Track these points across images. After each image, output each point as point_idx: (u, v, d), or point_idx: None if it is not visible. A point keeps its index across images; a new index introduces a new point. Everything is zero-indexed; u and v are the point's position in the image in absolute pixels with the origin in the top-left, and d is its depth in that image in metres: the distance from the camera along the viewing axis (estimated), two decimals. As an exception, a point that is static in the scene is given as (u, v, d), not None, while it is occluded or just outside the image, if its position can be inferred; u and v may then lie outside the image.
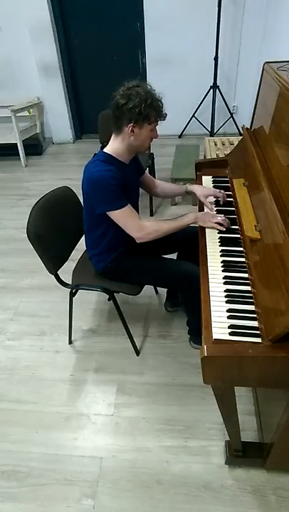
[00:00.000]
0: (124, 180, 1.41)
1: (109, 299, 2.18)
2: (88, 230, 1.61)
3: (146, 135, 1.38)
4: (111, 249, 1.59)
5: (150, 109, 1.31)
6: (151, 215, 3.00)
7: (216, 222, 1.42)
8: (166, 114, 1.39)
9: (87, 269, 1.72)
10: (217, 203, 1.61)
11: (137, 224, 1.44)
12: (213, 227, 1.43)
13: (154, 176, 3.08)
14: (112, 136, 1.42)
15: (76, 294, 1.82)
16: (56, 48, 3.98)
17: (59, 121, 4.49)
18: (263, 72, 1.55)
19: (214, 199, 1.62)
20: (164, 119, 1.40)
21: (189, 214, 1.49)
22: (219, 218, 1.43)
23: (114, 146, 1.42)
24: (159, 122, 1.41)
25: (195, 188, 1.65)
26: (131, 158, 1.50)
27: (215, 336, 0.96)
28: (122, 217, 1.42)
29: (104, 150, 1.44)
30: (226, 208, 1.57)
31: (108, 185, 1.35)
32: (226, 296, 1.10)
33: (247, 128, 1.69)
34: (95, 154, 1.47)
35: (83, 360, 1.87)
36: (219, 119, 4.09)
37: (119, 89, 1.33)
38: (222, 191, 1.62)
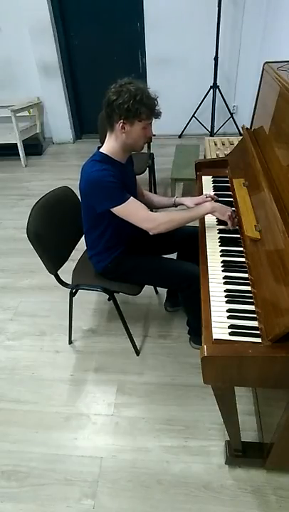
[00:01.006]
0: (122, 180, 1.40)
1: (109, 299, 2.18)
2: (87, 231, 1.60)
3: (138, 133, 1.36)
4: (110, 248, 1.59)
5: (140, 106, 1.29)
6: (151, 214, 3.00)
7: (228, 217, 1.41)
8: (160, 113, 1.37)
9: (87, 269, 1.72)
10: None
11: (147, 214, 1.40)
12: (219, 222, 1.43)
13: (154, 176, 3.09)
14: (107, 135, 1.42)
15: (76, 294, 1.82)
16: (56, 48, 3.98)
17: (59, 121, 4.49)
18: (263, 72, 1.55)
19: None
20: (158, 118, 1.38)
21: (205, 204, 1.46)
22: (233, 216, 1.42)
23: (109, 146, 1.42)
24: (156, 121, 1.39)
25: (183, 199, 1.65)
26: (127, 157, 1.49)
27: (215, 336, 0.96)
28: (129, 210, 1.39)
29: (100, 150, 1.43)
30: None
31: (107, 183, 1.35)
32: (226, 296, 1.10)
33: (247, 128, 1.69)
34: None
35: (83, 360, 1.87)
36: (219, 119, 4.10)
37: (111, 86, 1.32)
38: (210, 195, 1.61)
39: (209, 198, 1.59)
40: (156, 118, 1.38)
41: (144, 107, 1.31)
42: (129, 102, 1.27)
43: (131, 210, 1.40)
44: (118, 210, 1.39)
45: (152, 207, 1.84)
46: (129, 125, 1.33)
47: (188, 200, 1.63)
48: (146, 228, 1.41)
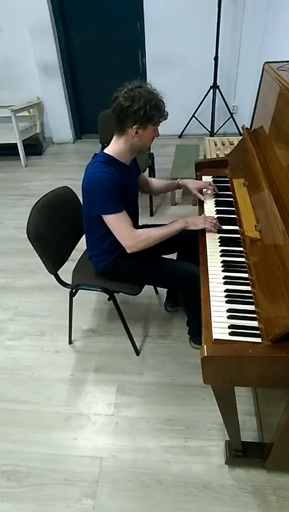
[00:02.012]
0: (123, 183, 1.40)
1: (109, 299, 2.18)
2: (88, 231, 1.61)
3: (149, 135, 1.38)
4: (111, 250, 1.59)
5: (155, 111, 1.31)
6: (152, 215, 3.00)
7: (204, 225, 1.43)
8: (168, 113, 1.38)
9: (87, 269, 1.72)
10: (217, 204, 1.61)
11: (129, 231, 1.43)
12: (205, 229, 1.43)
13: (154, 176, 3.08)
14: (114, 137, 1.42)
15: (76, 294, 1.82)
16: (56, 47, 3.98)
17: (59, 121, 4.49)
18: (263, 72, 1.55)
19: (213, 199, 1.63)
20: (166, 119, 1.40)
21: (179, 220, 1.48)
22: (209, 220, 1.43)
23: (115, 147, 1.42)
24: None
25: (186, 181, 1.70)
26: (132, 158, 1.50)
27: (215, 336, 0.96)
28: (116, 222, 1.41)
29: (105, 151, 1.43)
30: (226, 207, 1.57)
31: (105, 188, 1.35)
32: (226, 296, 1.10)
33: (247, 128, 1.69)
34: (95, 154, 1.47)
35: (83, 360, 1.87)
36: (219, 119, 4.09)
37: (120, 90, 1.31)
38: (212, 183, 1.67)
39: (211, 187, 1.63)
40: (165, 119, 1.40)
41: (158, 111, 1.32)
42: (146, 107, 1.28)
43: (118, 223, 1.41)
44: (107, 218, 1.41)
45: (159, 192, 1.90)
46: (142, 129, 1.34)
47: (191, 183, 1.67)
48: (126, 245, 1.44)
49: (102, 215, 1.41)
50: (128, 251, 1.45)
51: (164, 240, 1.50)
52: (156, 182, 1.81)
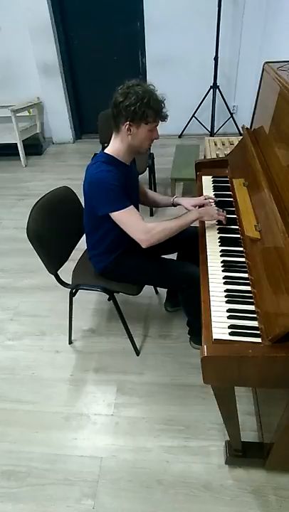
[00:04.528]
0: (125, 182, 1.39)
1: (109, 299, 2.18)
2: (89, 232, 1.60)
3: (144, 135, 1.37)
4: (111, 250, 1.59)
5: (146, 109, 1.29)
6: (151, 215, 3.00)
7: (218, 217, 1.44)
8: (166, 115, 1.37)
9: (87, 269, 1.72)
10: (217, 204, 1.61)
11: (142, 225, 1.39)
12: (217, 221, 1.44)
13: (154, 176, 3.09)
14: (112, 135, 1.42)
15: (76, 294, 1.82)
16: (56, 48, 3.98)
17: (59, 121, 4.49)
18: (263, 72, 1.55)
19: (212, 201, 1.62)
20: (165, 120, 1.39)
21: (192, 211, 1.47)
22: (222, 212, 1.45)
23: (114, 147, 1.42)
24: (160, 123, 1.40)
25: (181, 200, 1.66)
26: (131, 159, 1.49)
27: (215, 336, 0.96)
28: (125, 218, 1.38)
29: (105, 151, 1.43)
30: (226, 208, 1.56)
31: (110, 186, 1.34)
32: (226, 296, 1.10)
33: (247, 128, 1.69)
34: (95, 154, 1.47)
35: (83, 360, 1.87)
36: (219, 119, 4.10)
37: (119, 87, 1.32)
38: (208, 197, 1.61)
39: (207, 201, 1.59)
40: (162, 121, 1.38)
41: (151, 110, 1.31)
42: (136, 104, 1.27)
43: (128, 218, 1.39)
44: (116, 216, 1.38)
45: (154, 205, 1.84)
46: (135, 127, 1.34)
47: (186, 201, 1.63)
48: (139, 240, 1.40)
49: (111, 214, 1.38)
50: (143, 246, 1.41)
51: (164, 240, 1.49)
52: (151, 194, 1.77)
